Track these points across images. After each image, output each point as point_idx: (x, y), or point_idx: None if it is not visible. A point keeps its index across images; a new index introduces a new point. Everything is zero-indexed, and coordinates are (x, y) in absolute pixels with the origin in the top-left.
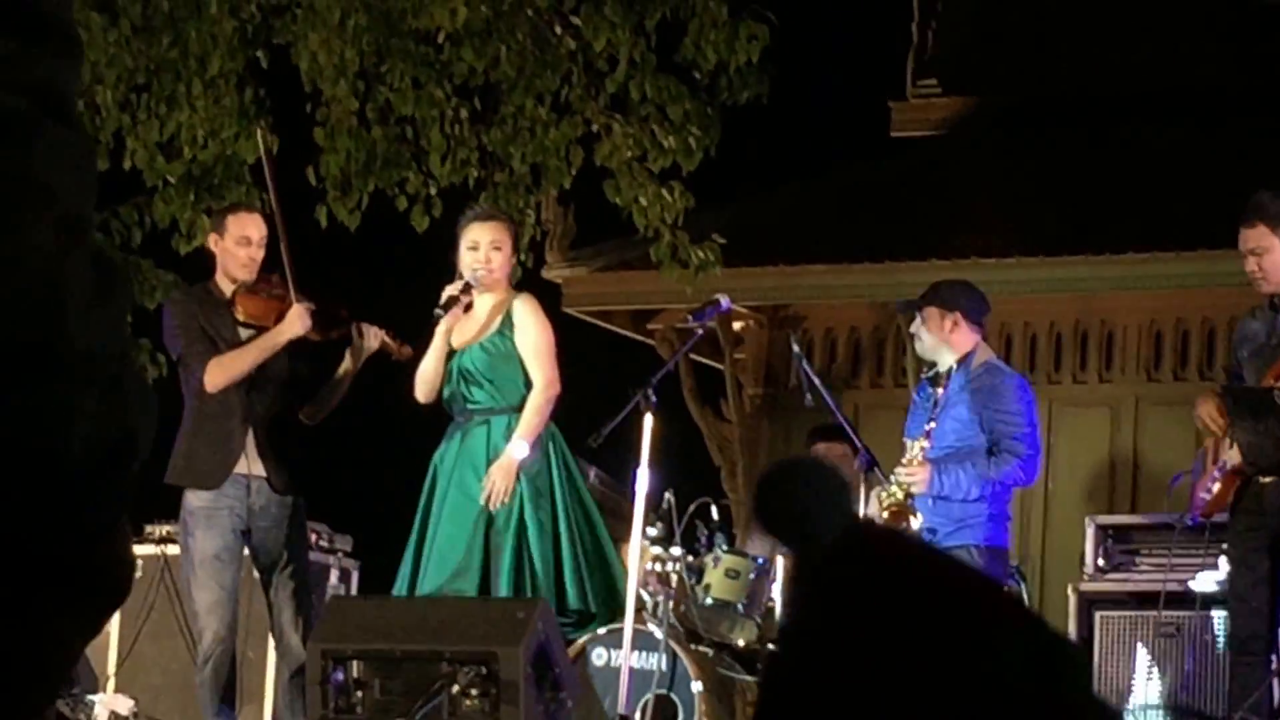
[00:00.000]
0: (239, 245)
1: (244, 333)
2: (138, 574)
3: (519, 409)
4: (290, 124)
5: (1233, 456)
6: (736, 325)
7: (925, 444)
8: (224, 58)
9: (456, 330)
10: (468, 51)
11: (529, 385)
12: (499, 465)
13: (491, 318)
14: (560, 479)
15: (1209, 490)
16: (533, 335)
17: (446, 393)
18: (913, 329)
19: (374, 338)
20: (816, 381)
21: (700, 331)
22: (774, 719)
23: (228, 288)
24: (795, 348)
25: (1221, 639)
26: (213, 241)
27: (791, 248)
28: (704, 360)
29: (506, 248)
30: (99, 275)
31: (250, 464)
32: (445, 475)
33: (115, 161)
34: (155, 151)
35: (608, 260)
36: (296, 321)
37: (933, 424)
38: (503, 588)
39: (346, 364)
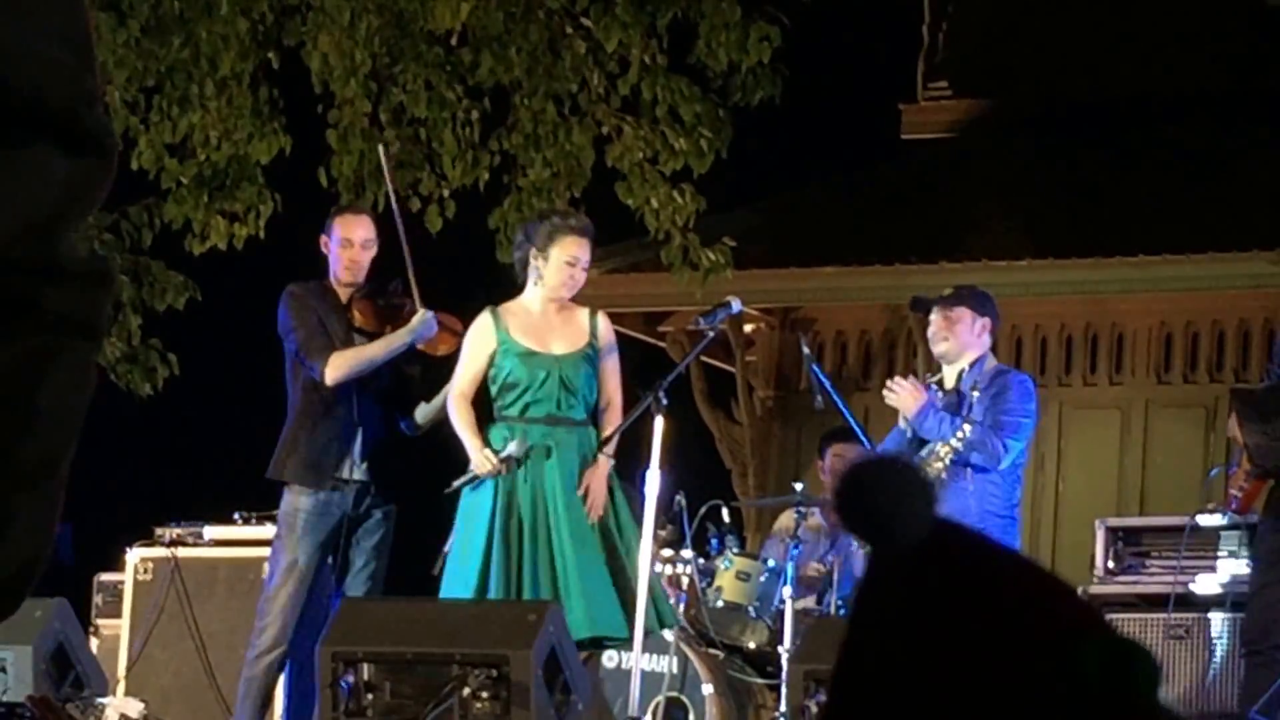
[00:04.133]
0: (343, 248)
1: (357, 339)
2: (148, 577)
3: (589, 423)
4: (304, 125)
5: None
6: (748, 328)
7: (957, 444)
8: (235, 58)
9: (539, 336)
10: (484, 56)
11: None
12: (601, 475)
13: (579, 328)
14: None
15: (1241, 489)
16: (616, 354)
17: (534, 396)
18: (937, 328)
19: None
20: (827, 384)
21: (711, 334)
22: (848, 715)
23: (342, 290)
24: (806, 350)
25: (1230, 641)
26: (322, 242)
27: (802, 250)
28: (715, 363)
29: (584, 262)
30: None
31: (354, 469)
32: (550, 492)
33: (123, 162)
34: (163, 152)
35: (618, 263)
36: (424, 326)
37: (967, 428)
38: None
39: None
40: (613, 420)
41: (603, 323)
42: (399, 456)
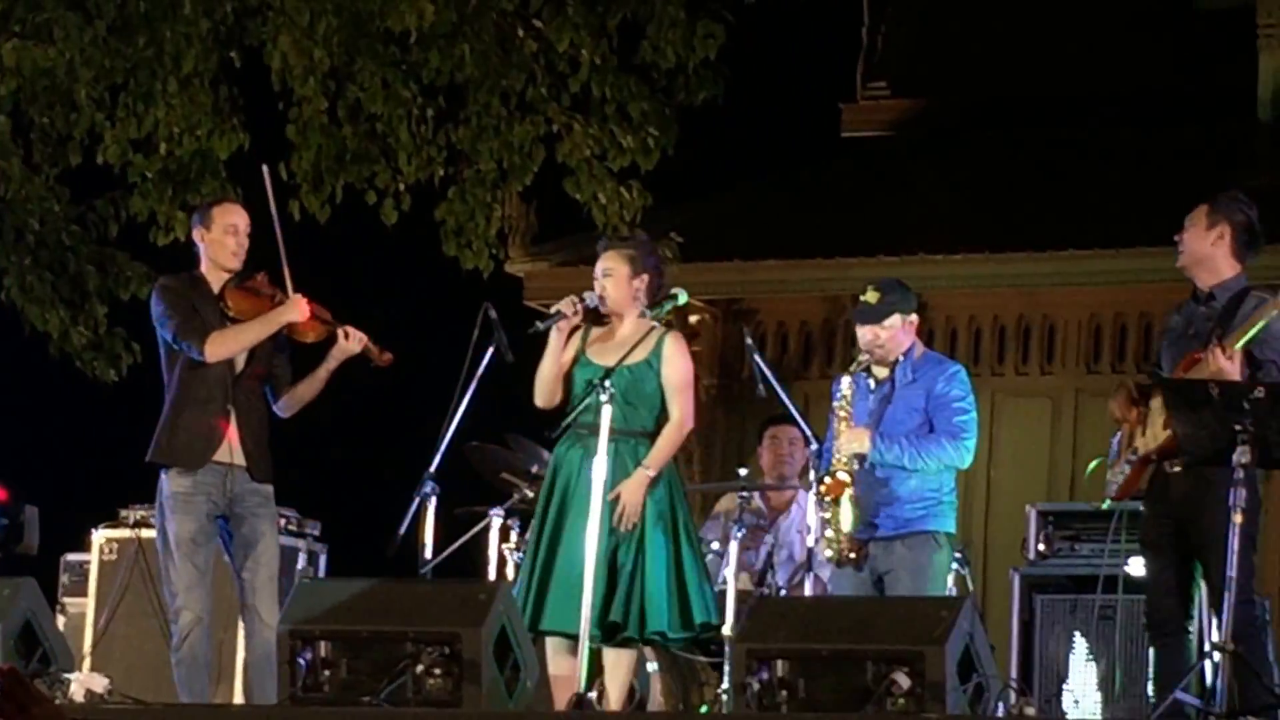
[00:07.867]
0: (228, 235)
1: (230, 326)
2: (113, 557)
3: (645, 436)
4: (264, 121)
5: (1144, 445)
6: (692, 318)
7: (922, 465)
8: (198, 57)
9: (599, 349)
10: (435, 54)
11: (661, 416)
12: (631, 485)
13: (639, 345)
14: (679, 505)
15: (1121, 474)
16: (679, 372)
17: (578, 403)
18: (873, 339)
19: (357, 342)
20: (768, 372)
21: (657, 325)
22: None
23: (214, 280)
24: (748, 340)
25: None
26: (197, 235)
27: (746, 244)
28: None
29: (618, 274)
30: None
31: (232, 453)
32: (574, 494)
33: (90, 157)
34: (128, 147)
35: (568, 255)
36: (296, 308)
37: (927, 460)
38: (618, 605)
39: (328, 363)
40: (667, 438)
41: (669, 340)
42: (383, 451)
